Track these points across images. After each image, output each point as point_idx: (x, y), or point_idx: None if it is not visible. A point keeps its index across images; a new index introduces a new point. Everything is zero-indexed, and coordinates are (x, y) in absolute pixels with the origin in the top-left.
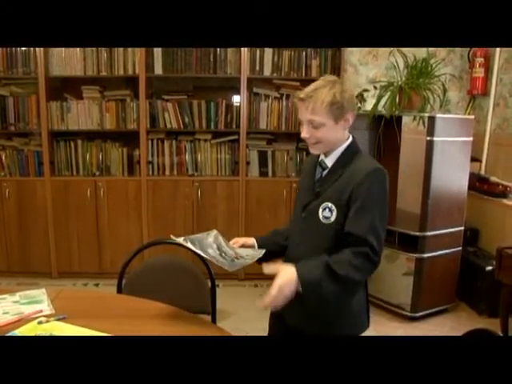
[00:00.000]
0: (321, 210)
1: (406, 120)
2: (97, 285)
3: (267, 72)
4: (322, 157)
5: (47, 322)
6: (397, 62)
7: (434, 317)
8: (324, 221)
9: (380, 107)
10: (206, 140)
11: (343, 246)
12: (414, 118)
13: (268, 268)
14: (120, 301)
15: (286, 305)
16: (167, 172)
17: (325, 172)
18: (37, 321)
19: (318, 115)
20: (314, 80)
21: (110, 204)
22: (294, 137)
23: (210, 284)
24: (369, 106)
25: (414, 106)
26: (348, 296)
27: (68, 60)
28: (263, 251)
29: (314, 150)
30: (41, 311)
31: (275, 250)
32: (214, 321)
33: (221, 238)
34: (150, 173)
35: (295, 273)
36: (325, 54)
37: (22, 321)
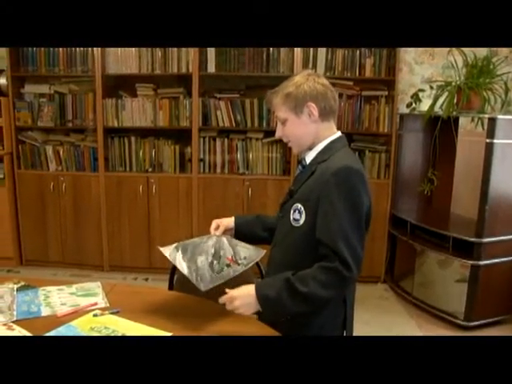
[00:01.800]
0: (291, 212)
1: (463, 121)
2: (146, 279)
3: (320, 71)
4: (304, 154)
5: (102, 315)
6: (455, 60)
7: (490, 327)
8: (294, 223)
9: (436, 108)
10: (257, 139)
11: (315, 253)
12: (472, 120)
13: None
14: (171, 297)
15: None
16: (218, 170)
17: (303, 170)
18: (92, 313)
19: (279, 110)
20: (368, 79)
21: (161, 200)
22: (347, 136)
23: None
24: (424, 106)
25: (473, 107)
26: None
27: (123, 58)
28: (263, 253)
29: (293, 150)
30: (96, 304)
31: (249, 238)
32: None
33: (225, 240)
34: (202, 170)
35: (253, 288)
36: (379, 52)
37: (78, 312)
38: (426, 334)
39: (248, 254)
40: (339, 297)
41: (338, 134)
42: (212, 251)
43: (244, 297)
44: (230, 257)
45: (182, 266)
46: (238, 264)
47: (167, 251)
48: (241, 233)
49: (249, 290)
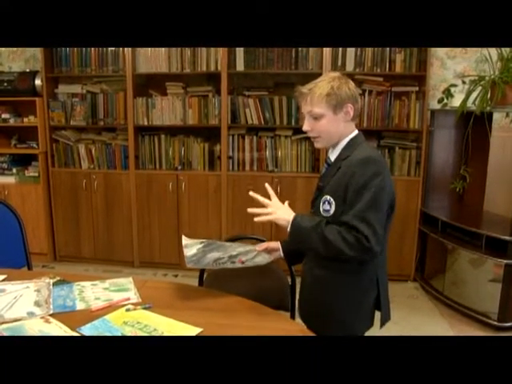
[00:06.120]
0: (321, 204)
1: (497, 117)
2: (176, 276)
3: (349, 67)
4: (328, 153)
5: (134, 309)
6: (489, 54)
7: None
8: (324, 214)
9: (469, 103)
10: (286, 136)
11: None
12: (507, 115)
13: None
14: (202, 293)
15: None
16: (247, 167)
17: (329, 167)
18: (125, 308)
19: (317, 106)
20: (398, 75)
21: (190, 198)
22: (375, 133)
23: (290, 280)
24: (456, 102)
25: (509, 102)
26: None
27: (153, 58)
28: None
29: (316, 145)
30: (128, 299)
31: (299, 254)
32: (292, 317)
33: (253, 250)
34: (231, 168)
35: (292, 215)
36: (409, 48)
37: (112, 307)
38: (459, 334)
39: (261, 260)
40: (363, 269)
41: (356, 131)
42: (234, 253)
43: (281, 218)
44: (243, 259)
45: (192, 248)
46: (243, 263)
47: (187, 241)
48: (287, 249)
49: (288, 216)
